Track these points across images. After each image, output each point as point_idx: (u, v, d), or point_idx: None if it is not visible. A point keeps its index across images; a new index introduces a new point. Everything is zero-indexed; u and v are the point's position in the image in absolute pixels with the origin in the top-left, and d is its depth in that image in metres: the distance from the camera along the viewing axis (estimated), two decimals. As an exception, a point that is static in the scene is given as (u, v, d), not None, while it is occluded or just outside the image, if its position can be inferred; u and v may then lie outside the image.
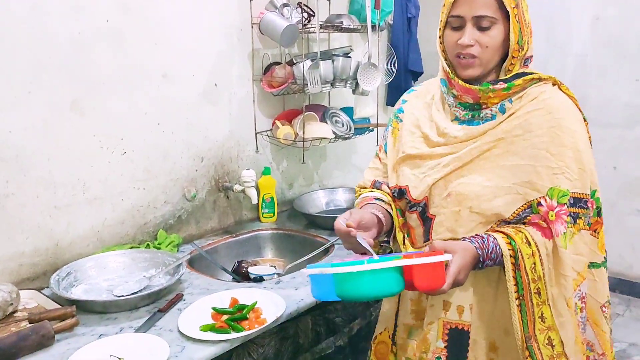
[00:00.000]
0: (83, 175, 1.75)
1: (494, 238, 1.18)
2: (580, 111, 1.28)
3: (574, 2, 3.23)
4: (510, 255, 1.17)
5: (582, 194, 1.21)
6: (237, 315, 1.43)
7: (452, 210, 1.25)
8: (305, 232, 2.15)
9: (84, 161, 1.75)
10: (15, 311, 1.46)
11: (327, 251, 1.92)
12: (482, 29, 1.20)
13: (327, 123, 2.32)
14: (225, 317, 1.42)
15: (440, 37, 1.27)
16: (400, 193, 1.35)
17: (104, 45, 1.74)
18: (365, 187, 1.45)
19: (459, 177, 1.25)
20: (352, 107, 2.52)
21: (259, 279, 1.80)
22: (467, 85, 1.24)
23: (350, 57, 2.27)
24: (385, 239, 1.40)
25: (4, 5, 1.51)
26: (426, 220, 1.30)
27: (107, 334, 1.38)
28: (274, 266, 1.92)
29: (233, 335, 1.35)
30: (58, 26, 1.63)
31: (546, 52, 3.36)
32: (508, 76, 1.24)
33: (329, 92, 2.47)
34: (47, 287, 1.57)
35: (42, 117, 1.63)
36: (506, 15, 1.19)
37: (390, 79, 2.64)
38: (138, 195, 1.91)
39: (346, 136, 2.32)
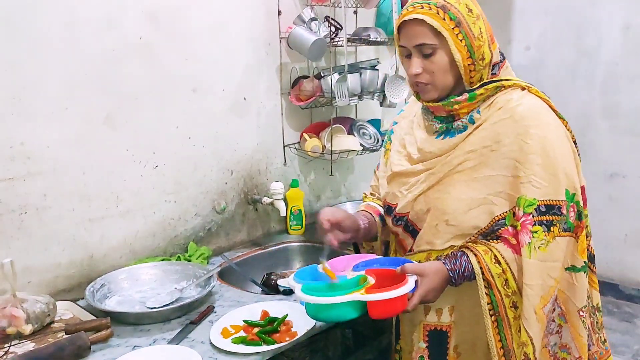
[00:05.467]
0: (116, 189, 1.78)
1: (467, 256, 1.22)
2: (555, 111, 1.27)
3: (603, 10, 3.19)
4: (482, 273, 1.21)
5: (555, 200, 1.19)
6: (268, 328, 1.43)
7: (431, 225, 1.29)
8: (333, 244, 2.15)
9: (117, 174, 1.78)
10: (52, 322, 1.49)
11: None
12: (426, 56, 1.23)
13: (354, 135, 2.33)
14: (256, 329, 1.43)
15: (402, 63, 1.32)
16: (388, 209, 1.42)
17: (136, 61, 1.78)
18: (367, 195, 1.62)
19: (436, 192, 1.29)
20: (380, 120, 2.52)
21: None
22: (432, 103, 1.28)
23: (377, 69, 2.28)
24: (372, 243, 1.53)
25: (41, 23, 1.56)
26: (413, 232, 1.35)
27: (141, 345, 1.40)
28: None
29: (264, 347, 1.36)
30: (92, 43, 1.67)
31: (575, 60, 3.32)
32: (475, 86, 1.26)
33: (356, 104, 2.48)
34: (82, 299, 1.59)
35: (77, 131, 1.67)
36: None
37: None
38: (169, 208, 1.94)
39: (373, 148, 2.32)
